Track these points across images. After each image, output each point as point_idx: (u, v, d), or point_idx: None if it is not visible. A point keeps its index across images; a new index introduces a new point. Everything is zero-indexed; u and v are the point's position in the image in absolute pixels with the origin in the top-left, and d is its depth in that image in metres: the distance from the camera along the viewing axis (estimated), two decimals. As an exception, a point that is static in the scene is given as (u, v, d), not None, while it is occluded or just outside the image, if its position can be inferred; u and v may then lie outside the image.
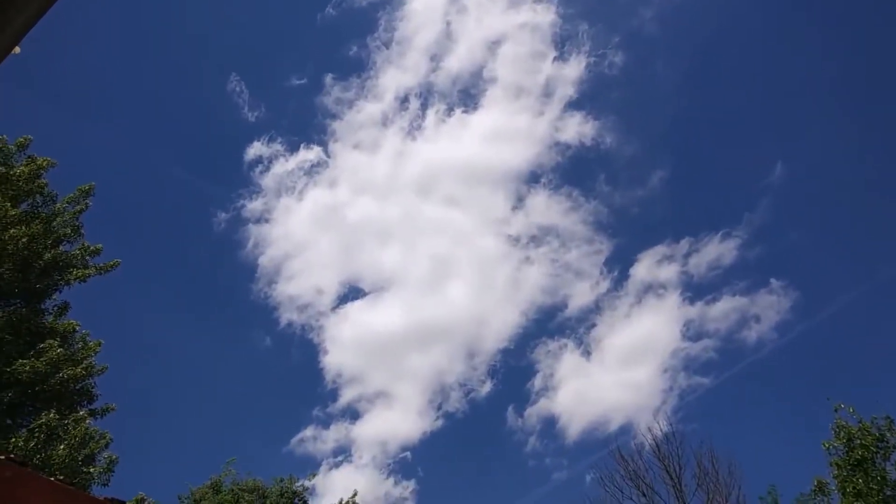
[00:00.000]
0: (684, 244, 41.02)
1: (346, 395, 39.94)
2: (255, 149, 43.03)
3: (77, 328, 17.19)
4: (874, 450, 18.05)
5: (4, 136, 16.24)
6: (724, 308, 39.76)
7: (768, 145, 45.50)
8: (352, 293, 45.40)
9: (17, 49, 2.72)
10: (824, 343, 41.63)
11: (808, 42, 44.75)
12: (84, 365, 16.27)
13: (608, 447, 27.83)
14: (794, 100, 45.10)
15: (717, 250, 40.73)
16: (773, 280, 40.78)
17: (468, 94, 46.20)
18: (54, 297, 16.92)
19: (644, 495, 25.13)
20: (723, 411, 41.21)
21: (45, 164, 16.85)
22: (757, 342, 39.61)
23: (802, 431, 39.10)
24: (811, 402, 41.50)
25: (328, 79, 44.49)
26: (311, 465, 38.84)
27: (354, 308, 44.21)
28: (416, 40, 44.99)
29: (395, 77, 44.93)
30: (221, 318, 47.08)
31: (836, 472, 18.53)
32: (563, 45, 44.62)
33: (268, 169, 43.43)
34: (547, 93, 43.84)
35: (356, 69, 49.13)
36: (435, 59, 44.58)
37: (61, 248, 16.92)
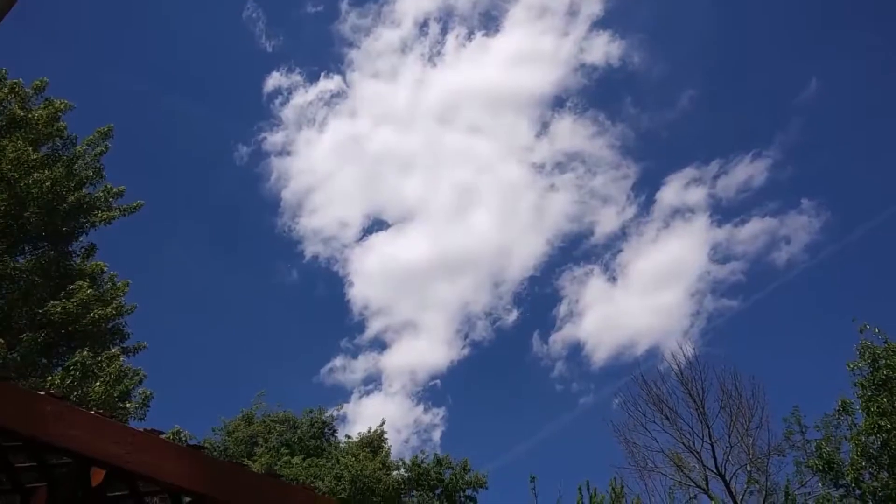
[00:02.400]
0: (714, 166, 40.32)
1: (374, 326, 40.56)
2: (274, 79, 42.53)
3: (105, 269, 17.43)
4: (899, 369, 18.05)
5: (20, 79, 16.20)
6: (752, 230, 39.37)
7: (801, 62, 44.16)
8: (376, 225, 45.66)
9: None
10: (855, 264, 41.31)
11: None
12: (114, 305, 16.56)
13: (636, 371, 28.09)
14: (828, 15, 43.52)
15: (747, 171, 40.12)
16: (804, 200, 40.14)
17: (489, 17, 45.19)
18: (80, 239, 17.16)
19: (667, 419, 25.44)
20: (750, 334, 41.36)
21: (62, 106, 16.81)
22: (787, 264, 39.33)
23: (828, 352, 39.19)
24: (838, 323, 41.43)
25: (344, 5, 43.42)
26: (341, 395, 39.83)
27: (379, 240, 44.50)
28: (433, -38, 43.75)
29: (413, 1, 43.85)
30: (247, 252, 47.68)
31: (860, 392, 18.61)
32: (588, -42, 43.11)
33: (287, 100, 43.06)
34: (572, 11, 42.57)
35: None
36: (455, -21, 43.20)
37: (84, 190, 17.02)
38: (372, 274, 43.91)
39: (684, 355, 26.02)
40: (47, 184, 15.50)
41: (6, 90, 15.77)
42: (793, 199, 43.28)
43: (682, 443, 24.07)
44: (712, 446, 23.59)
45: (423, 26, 44.03)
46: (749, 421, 24.02)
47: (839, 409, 20.05)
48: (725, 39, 46.07)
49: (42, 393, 4.64)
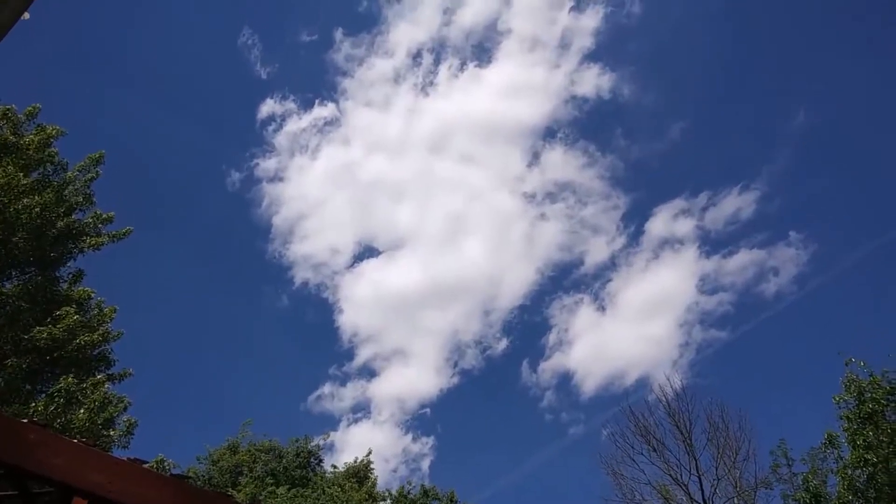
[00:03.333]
0: (702, 198, 40.73)
1: (363, 354, 40.45)
2: (269, 106, 42.80)
3: (92, 295, 17.38)
4: (884, 403, 18.13)
5: (13, 105, 16.28)
6: (741, 261, 39.70)
7: (789, 94, 44.76)
8: (367, 252, 45.65)
9: (26, 15, 2.74)
10: (841, 296, 41.59)
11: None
12: (100, 331, 16.48)
13: (624, 401, 28.07)
14: (817, 47, 44.23)
15: (736, 203, 40.55)
16: (792, 233, 40.54)
17: (482, 48, 45.74)
18: (68, 264, 17.12)
19: (655, 451, 25.41)
20: (738, 365, 41.50)
21: (54, 132, 16.88)
22: (775, 295, 39.55)
23: (815, 385, 39.27)
24: (825, 355, 41.59)
25: (339, 34, 43.90)
26: (329, 422, 39.62)
27: (369, 267, 44.55)
28: (428, -7, 44.31)
29: (407, 32, 44.48)
30: (237, 278, 47.60)
31: (846, 425, 18.65)
32: (579, -7, 43.77)
33: (281, 127, 43.29)
34: (563, 44, 43.19)
35: (367, 25, 48.82)
36: (448, 12, 43.94)
37: (74, 216, 17.03)
38: (362, 301, 43.96)
39: (671, 387, 26.10)
40: (37, 209, 15.51)
41: (-2, 116, 15.85)
42: (781, 231, 43.76)
43: (670, 475, 24.07)
44: (699, 479, 23.60)
45: (416, 57, 44.66)
46: (736, 454, 24.05)
47: (825, 443, 20.07)
48: (714, 71, 46.90)
49: (25, 421, 4.63)
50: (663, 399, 25.99)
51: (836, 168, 43.81)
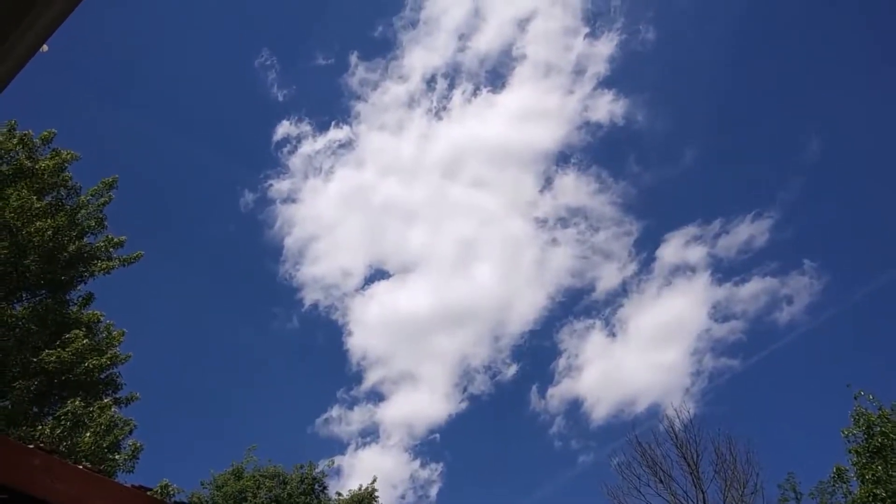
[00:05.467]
0: (715, 225, 40.65)
1: (371, 377, 40.30)
2: (284, 128, 43.15)
3: (101, 318, 17.54)
4: (894, 437, 17.99)
5: (30, 130, 16.54)
6: (753, 289, 39.40)
7: (803, 121, 44.74)
8: (377, 274, 45.62)
9: (44, 47, 2.82)
10: (854, 327, 41.23)
11: (844, 15, 43.78)
12: (109, 355, 16.60)
13: (634, 430, 27.86)
14: (831, 75, 44.28)
15: (749, 230, 40.37)
16: (806, 261, 40.31)
17: (496, 74, 45.98)
18: (79, 288, 17.27)
19: (661, 482, 25.21)
20: (749, 394, 41.08)
21: (69, 157, 17.14)
22: (788, 325, 39.25)
23: (824, 417, 38.87)
24: (835, 387, 41.19)
25: (354, 59, 44.33)
26: (336, 446, 39.37)
27: (380, 289, 44.47)
28: (443, 19, 44.89)
29: (421, 57, 44.82)
30: (247, 300, 47.67)
31: (855, 459, 18.50)
32: (594, 21, 44.17)
33: (295, 149, 43.58)
34: (578, 70, 43.40)
35: (382, 50, 49.21)
36: (463, 38, 44.27)
37: (85, 240, 17.22)
38: (372, 324, 43.94)
39: (679, 418, 25.93)
40: (49, 232, 15.70)
41: (15, 141, 16.10)
42: (794, 260, 43.51)
43: (677, 508, 23.80)
44: (707, 512, 23.32)
45: (430, 81, 44.95)
46: (744, 486, 23.82)
47: (834, 477, 19.90)
48: (728, 98, 46.96)
49: (31, 446, 4.70)
50: (671, 430, 25.83)
51: (851, 196, 43.69)
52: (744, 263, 41.42)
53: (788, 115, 45.44)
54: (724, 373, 37.99)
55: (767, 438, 38.30)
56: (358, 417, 38.87)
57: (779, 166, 44.93)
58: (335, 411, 39.21)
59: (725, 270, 42.20)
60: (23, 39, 2.64)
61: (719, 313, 39.53)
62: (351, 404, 40.90)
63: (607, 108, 43.23)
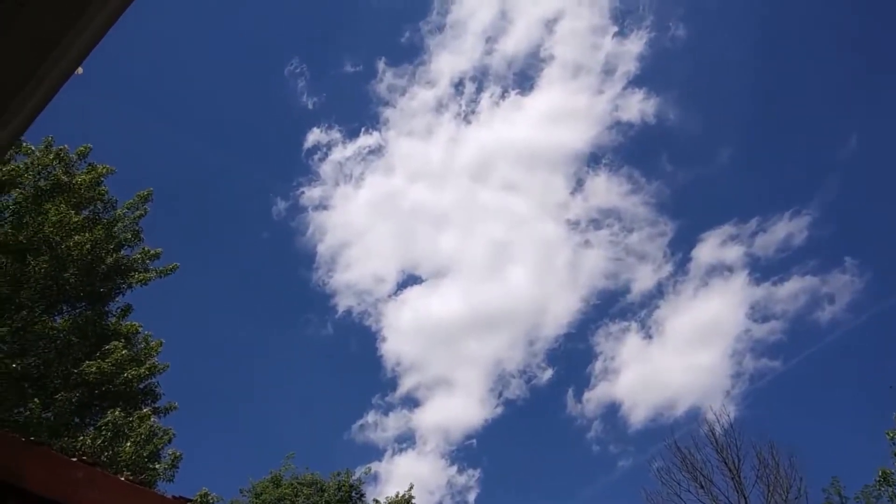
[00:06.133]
0: (752, 224, 39.91)
1: (406, 383, 40.28)
2: (315, 135, 43.40)
3: (139, 329, 17.80)
4: (942, 439, 17.53)
5: (66, 145, 16.85)
6: (793, 288, 38.56)
7: (841, 117, 43.68)
8: (410, 280, 45.56)
9: (79, 70, 2.84)
10: (896, 326, 40.09)
11: (879, 7, 42.74)
12: (147, 365, 16.84)
13: (673, 435, 27.44)
14: (869, 69, 43.30)
15: (787, 228, 39.49)
16: (847, 258, 39.42)
17: (524, 76, 45.71)
18: (117, 299, 17.53)
19: (702, 488, 24.83)
20: (791, 396, 40.23)
21: (104, 171, 17.42)
22: (830, 323, 38.37)
23: (869, 419, 37.93)
24: (879, 388, 40.19)
25: (381, 65, 44.47)
26: (373, 453, 39.40)
27: (412, 295, 44.42)
28: (470, 23, 44.64)
29: (448, 61, 44.63)
30: (281, 307, 47.96)
31: (901, 462, 18.06)
32: (623, 19, 43.68)
33: (326, 156, 43.82)
34: (607, 70, 42.95)
35: (409, 55, 49.31)
36: (490, 40, 43.97)
37: (122, 252, 17.49)
38: (405, 329, 43.91)
39: (719, 422, 25.52)
40: (87, 246, 15.96)
41: (52, 157, 16.40)
42: (835, 258, 42.41)
43: (719, 514, 23.41)
44: (750, 518, 22.90)
45: (458, 85, 44.81)
46: (787, 492, 23.35)
47: (879, 480, 19.43)
48: (762, 95, 45.99)
49: (74, 458, 4.74)
50: (711, 434, 25.44)
51: (892, 191, 42.64)
52: (782, 262, 40.59)
53: (824, 111, 44.55)
54: (764, 374, 37.22)
55: (810, 441, 37.55)
56: (394, 423, 38.86)
57: (816, 163, 43.97)
58: (371, 417, 39.24)
59: (763, 270, 41.30)
60: (56, 66, 2.66)
61: (758, 313, 38.74)
62: (386, 410, 40.90)
63: (638, 107, 42.65)
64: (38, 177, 16.21)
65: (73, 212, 16.06)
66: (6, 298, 14.83)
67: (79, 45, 2.58)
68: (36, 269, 15.32)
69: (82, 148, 17.35)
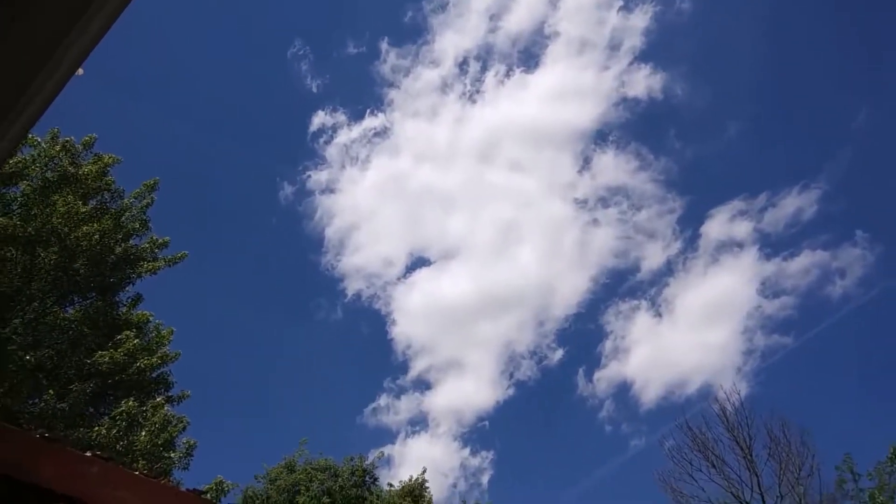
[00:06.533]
0: (761, 199, 39.60)
1: (417, 366, 40.35)
2: (319, 118, 43.22)
3: (150, 318, 17.87)
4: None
5: (72, 136, 16.82)
6: (804, 263, 38.29)
7: (850, 90, 43.05)
8: (418, 262, 45.51)
9: (80, 70, 2.80)
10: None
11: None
12: (159, 354, 16.92)
13: (685, 414, 27.42)
14: (878, 41, 42.69)
15: (796, 203, 39.16)
16: (858, 232, 39.11)
17: (529, 54, 45.02)
18: (127, 289, 17.57)
19: (714, 467, 24.84)
20: (803, 373, 40.00)
21: (110, 160, 17.41)
22: (842, 298, 38.13)
23: (882, 394, 37.83)
24: (893, 362, 40.01)
25: (385, 46, 44.17)
26: (386, 436, 39.57)
27: (422, 277, 44.35)
28: (473, 1, 44.15)
29: (452, 41, 44.16)
30: (290, 292, 47.94)
31: (915, 438, 18.02)
32: (628, -7, 43.07)
33: (331, 139, 43.63)
34: (613, 45, 42.47)
35: (413, 35, 48.80)
36: (494, 18, 43.43)
37: (131, 242, 17.50)
38: (415, 312, 43.84)
39: (730, 401, 25.48)
40: (96, 236, 15.98)
41: (58, 148, 16.39)
42: (845, 232, 41.95)
43: (731, 492, 23.47)
44: (762, 496, 22.95)
45: (462, 65, 44.43)
46: (799, 469, 23.34)
47: (892, 457, 19.40)
48: (770, 69, 45.26)
49: (88, 454, 4.74)
50: (722, 414, 25.41)
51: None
52: (793, 237, 40.28)
53: (833, 84, 43.94)
54: (776, 351, 37.05)
55: (822, 418, 37.36)
56: (406, 406, 38.97)
57: (825, 136, 43.45)
58: (383, 401, 39.37)
59: (774, 245, 40.96)
60: (60, 66, 2.61)
61: (769, 289, 38.52)
62: (398, 393, 40.98)
63: (645, 82, 42.17)
64: (44, 168, 16.21)
65: (80, 202, 16.06)
66: (17, 290, 14.89)
67: (75, 50, 2.53)
68: (46, 260, 15.36)
69: (87, 138, 17.32)
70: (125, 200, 17.85)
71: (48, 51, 2.35)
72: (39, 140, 16.40)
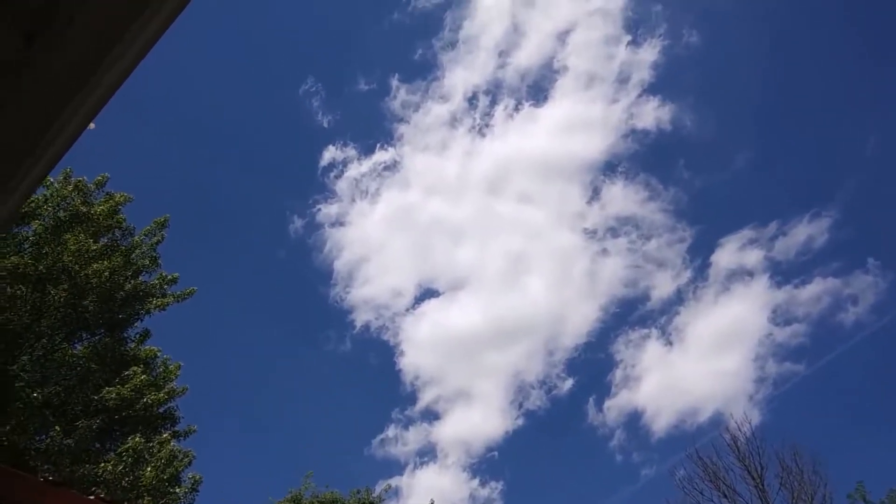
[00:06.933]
0: (771, 227, 39.72)
1: (426, 397, 40.36)
2: (330, 153, 43.82)
3: (158, 353, 18.04)
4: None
5: (84, 177, 17.17)
6: (815, 291, 38.31)
7: (858, 117, 43.35)
8: (427, 293, 45.73)
9: (91, 125, 2.93)
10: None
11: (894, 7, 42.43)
12: (166, 389, 17.06)
13: (695, 444, 27.30)
14: (885, 68, 42.92)
15: (807, 231, 39.34)
16: (870, 259, 39.11)
17: (538, 88, 45.79)
18: (135, 325, 17.77)
19: (725, 496, 24.65)
20: (815, 400, 39.86)
21: (122, 199, 17.73)
22: (854, 325, 38.05)
23: (893, 422, 37.53)
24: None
25: (395, 82, 44.85)
26: (394, 467, 39.47)
27: (430, 308, 44.55)
28: (482, 38, 44.88)
29: (462, 76, 44.91)
30: (299, 324, 48.24)
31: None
32: (636, 28, 43.65)
33: (342, 173, 44.18)
34: (621, 79, 43.00)
35: (422, 72, 49.57)
36: (503, 54, 44.16)
37: (140, 278, 17.75)
38: (424, 343, 44.04)
39: (741, 431, 25.35)
40: (105, 274, 16.22)
41: (70, 187, 16.72)
42: (857, 259, 42.09)
43: (741, 524, 23.24)
44: (773, 527, 22.71)
45: (471, 100, 45.09)
46: (811, 498, 23.17)
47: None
48: (778, 98, 45.65)
49: (92, 497, 4.88)
50: (733, 443, 25.28)
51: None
52: (804, 265, 40.34)
53: (841, 112, 44.21)
54: (788, 378, 36.92)
55: (835, 446, 37.14)
56: (414, 437, 38.94)
57: (834, 164, 43.69)
58: (391, 431, 39.35)
59: (785, 273, 41.07)
60: (70, 124, 2.70)
61: (780, 317, 38.48)
62: (406, 424, 40.95)
63: (653, 114, 42.65)
64: (57, 208, 16.52)
65: (91, 240, 16.34)
66: (26, 327, 15.11)
67: (85, 109, 2.65)
68: (56, 297, 15.60)
69: (100, 178, 17.67)
70: (135, 238, 18.13)
71: (54, 116, 2.45)
72: (52, 180, 16.74)
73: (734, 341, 40.69)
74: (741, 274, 40.06)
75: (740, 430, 25.29)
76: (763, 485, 24.41)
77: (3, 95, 2.52)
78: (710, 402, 39.11)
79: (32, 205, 15.84)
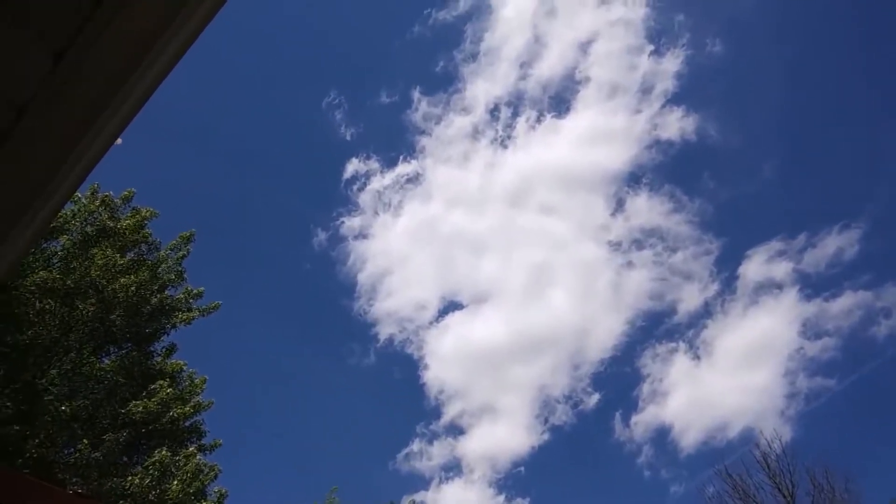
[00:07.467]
0: (800, 239, 39.15)
1: (451, 411, 40.18)
2: (353, 165, 44.04)
3: (184, 367, 18.14)
4: None
5: (110, 192, 17.38)
6: (846, 304, 37.66)
7: (887, 126, 42.72)
8: (451, 306, 45.66)
9: (118, 140, 2.92)
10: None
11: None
12: (192, 403, 17.14)
13: (724, 461, 26.87)
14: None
15: (837, 243, 38.73)
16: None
17: (560, 99, 45.82)
18: (162, 339, 17.90)
19: (755, 515, 24.20)
20: (848, 416, 39.09)
21: (148, 214, 17.91)
22: (887, 339, 37.31)
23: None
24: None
25: (417, 95, 45.01)
26: (419, 482, 39.34)
27: (454, 321, 44.44)
28: (504, 49, 45.08)
29: (483, 88, 45.06)
30: (323, 337, 48.45)
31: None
32: (658, 38, 43.51)
33: (364, 186, 44.36)
34: (644, 89, 42.76)
35: (444, 84, 49.87)
36: (524, 66, 44.27)
37: (166, 292, 17.90)
38: (448, 356, 43.92)
39: (771, 448, 24.90)
40: (132, 288, 16.37)
41: (98, 203, 16.93)
42: (889, 271, 41.23)
43: (772, 542, 22.80)
44: (805, 545, 22.25)
45: (493, 111, 45.13)
46: (844, 517, 22.64)
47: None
48: (805, 107, 45.18)
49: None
50: (763, 460, 24.84)
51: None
52: (834, 277, 39.74)
53: (869, 122, 43.64)
54: (820, 394, 36.26)
55: (868, 461, 36.33)
56: (439, 452, 38.76)
57: (864, 175, 43.05)
58: (416, 446, 39.23)
59: (814, 286, 40.48)
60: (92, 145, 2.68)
61: (811, 331, 37.86)
62: (431, 438, 40.81)
63: (677, 125, 42.34)
64: (84, 223, 16.72)
65: (118, 255, 16.51)
66: (55, 341, 15.27)
67: (113, 124, 2.64)
68: (84, 312, 15.76)
69: (126, 193, 17.87)
70: (161, 252, 18.30)
71: (84, 127, 2.43)
72: (80, 196, 16.96)
73: (764, 355, 40.10)
74: (770, 287, 39.51)
75: (770, 447, 24.89)
76: (794, 503, 23.93)
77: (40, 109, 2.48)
78: (740, 418, 38.62)
79: (61, 220, 16.05)
